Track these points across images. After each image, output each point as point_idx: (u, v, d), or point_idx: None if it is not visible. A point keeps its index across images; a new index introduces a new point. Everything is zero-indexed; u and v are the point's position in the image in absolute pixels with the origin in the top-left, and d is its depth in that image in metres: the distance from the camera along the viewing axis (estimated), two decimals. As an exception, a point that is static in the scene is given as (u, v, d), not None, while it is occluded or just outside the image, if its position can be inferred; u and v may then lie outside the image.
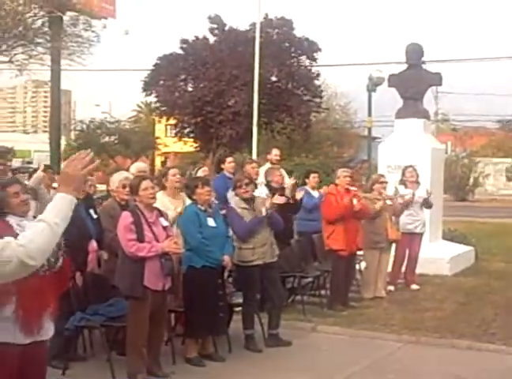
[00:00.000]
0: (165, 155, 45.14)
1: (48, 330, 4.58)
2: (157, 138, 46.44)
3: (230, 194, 8.93)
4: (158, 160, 50.43)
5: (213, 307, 7.80)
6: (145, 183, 7.30)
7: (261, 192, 9.86)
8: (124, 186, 8.23)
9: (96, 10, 28.98)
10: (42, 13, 25.62)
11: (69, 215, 3.61)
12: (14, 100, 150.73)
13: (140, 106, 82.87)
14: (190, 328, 7.92)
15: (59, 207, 3.60)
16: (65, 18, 26.60)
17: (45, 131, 79.18)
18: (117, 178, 8.57)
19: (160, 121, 45.62)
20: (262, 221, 8.49)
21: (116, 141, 40.73)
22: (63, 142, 36.78)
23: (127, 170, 10.54)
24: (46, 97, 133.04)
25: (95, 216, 8.16)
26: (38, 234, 3.51)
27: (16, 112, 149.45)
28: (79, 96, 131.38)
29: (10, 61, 25.73)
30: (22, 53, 25.68)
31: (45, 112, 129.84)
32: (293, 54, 38.22)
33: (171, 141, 45.16)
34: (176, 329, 8.46)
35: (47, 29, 25.93)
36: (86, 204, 7.90)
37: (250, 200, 8.60)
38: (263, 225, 8.52)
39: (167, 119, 40.77)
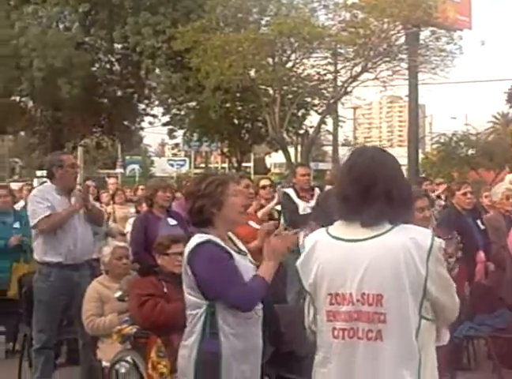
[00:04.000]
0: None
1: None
2: (522, 150, 44.99)
3: None
4: (520, 173, 48.56)
5: None
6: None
7: None
8: (508, 198, 8.17)
9: (452, 23, 29.06)
10: (403, 30, 26.26)
11: None
12: (370, 116, 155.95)
13: (496, 118, 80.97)
14: None
15: None
16: (423, 33, 27.04)
17: (399, 145, 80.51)
18: (499, 190, 8.52)
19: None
20: None
21: (478, 154, 40.01)
22: (420, 155, 37.06)
23: (491, 183, 10.40)
24: (400, 112, 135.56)
25: (482, 227, 8.18)
26: None
27: (371, 127, 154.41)
28: (433, 109, 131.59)
29: (376, 78, 26.79)
30: (387, 69, 26.57)
31: (400, 126, 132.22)
32: None
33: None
34: None
35: (406, 46, 26.51)
36: (473, 215, 7.98)
37: None
38: None
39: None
